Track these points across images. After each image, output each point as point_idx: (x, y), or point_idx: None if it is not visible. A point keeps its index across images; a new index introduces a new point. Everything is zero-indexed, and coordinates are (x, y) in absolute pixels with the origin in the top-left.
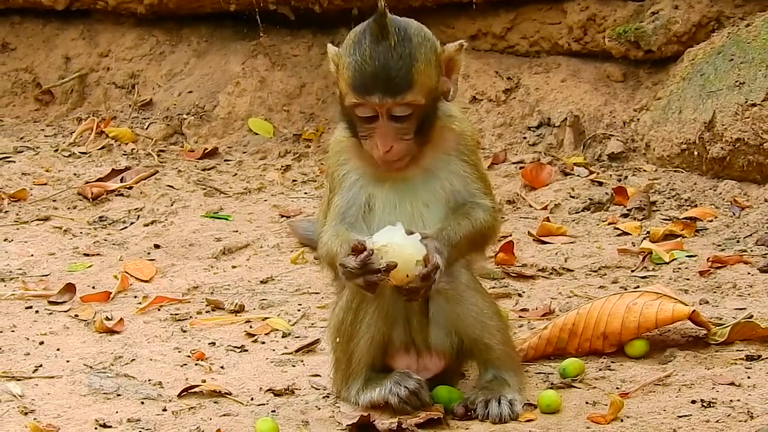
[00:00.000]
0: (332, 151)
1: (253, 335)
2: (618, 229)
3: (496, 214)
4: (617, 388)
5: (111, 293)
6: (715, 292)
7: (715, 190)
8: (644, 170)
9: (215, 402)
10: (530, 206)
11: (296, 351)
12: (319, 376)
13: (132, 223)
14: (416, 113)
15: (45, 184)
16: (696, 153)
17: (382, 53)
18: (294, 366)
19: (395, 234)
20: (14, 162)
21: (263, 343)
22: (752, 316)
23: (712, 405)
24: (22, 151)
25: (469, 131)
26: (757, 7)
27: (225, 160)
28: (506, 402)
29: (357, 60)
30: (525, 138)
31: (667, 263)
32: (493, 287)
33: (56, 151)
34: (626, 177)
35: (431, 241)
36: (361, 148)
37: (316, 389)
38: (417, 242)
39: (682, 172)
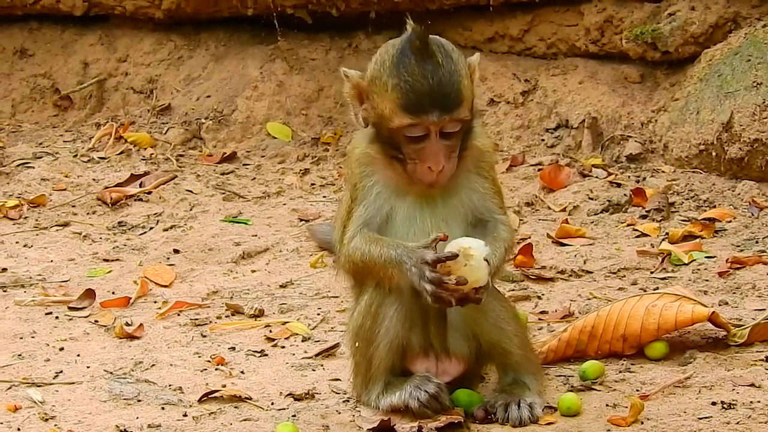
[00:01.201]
0: (356, 163)
1: (273, 339)
2: (637, 230)
3: (513, 230)
4: (637, 391)
5: (131, 299)
6: (734, 293)
7: (733, 191)
8: (662, 171)
9: (235, 407)
10: (549, 208)
11: (316, 355)
12: (339, 380)
13: (151, 228)
14: (462, 128)
15: (64, 189)
16: (714, 154)
17: (433, 71)
18: (314, 370)
19: (473, 251)
20: (33, 168)
21: (283, 347)
22: None
23: (732, 407)
24: (41, 157)
25: (490, 147)
26: None
27: (244, 165)
28: (526, 405)
29: (407, 80)
30: (543, 140)
31: (687, 264)
32: (513, 290)
33: (75, 156)
34: (644, 178)
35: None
36: (387, 161)
37: (336, 393)
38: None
39: (701, 173)
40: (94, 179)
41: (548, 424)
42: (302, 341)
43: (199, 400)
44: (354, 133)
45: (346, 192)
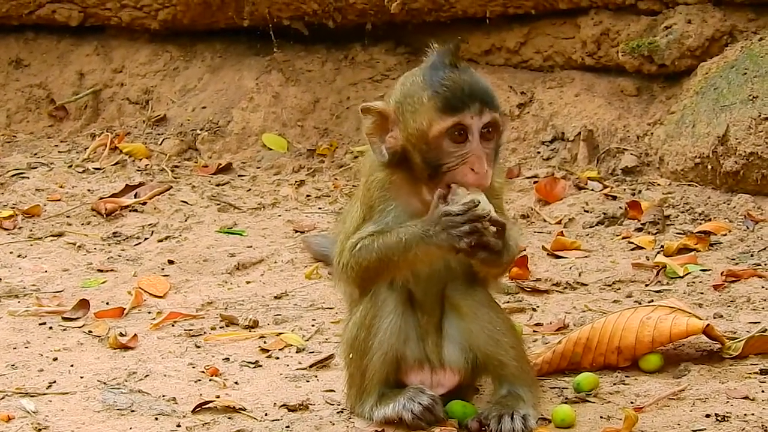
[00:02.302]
0: (375, 186)
1: (267, 351)
2: (632, 243)
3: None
4: (632, 403)
5: (125, 309)
6: (729, 306)
7: (728, 204)
8: (658, 184)
9: (229, 418)
10: (544, 221)
11: (310, 366)
12: (334, 391)
13: (146, 239)
14: (497, 137)
15: (59, 200)
16: (709, 167)
17: (468, 75)
18: (308, 381)
19: (473, 195)
20: (28, 178)
21: (277, 358)
22: (766, 329)
23: (726, 419)
24: (36, 167)
25: (504, 184)
26: None
27: (239, 176)
28: (519, 417)
29: (444, 84)
30: (539, 152)
31: (681, 277)
32: (508, 302)
33: (70, 167)
34: (640, 191)
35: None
36: (410, 188)
37: (331, 405)
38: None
39: (696, 186)
40: (89, 190)
41: None
42: (296, 352)
43: (193, 411)
44: (369, 151)
45: (358, 210)
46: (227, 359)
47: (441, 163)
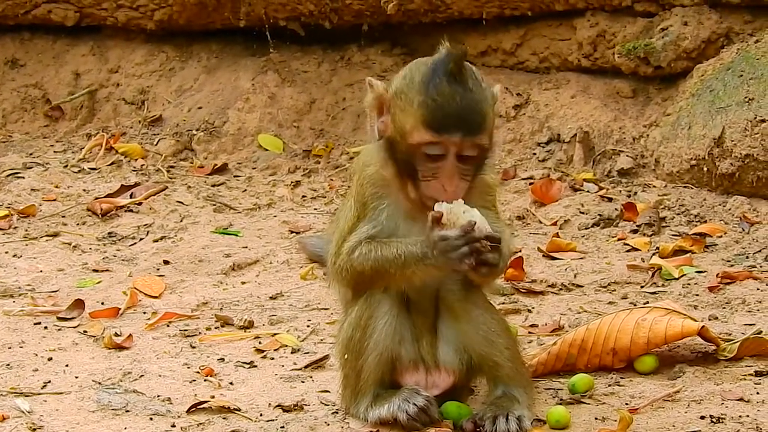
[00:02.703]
0: (368, 182)
1: (262, 351)
2: (627, 244)
3: (511, 252)
4: (626, 404)
5: (120, 309)
6: (724, 308)
7: (724, 206)
8: (654, 186)
9: (224, 418)
10: (540, 222)
11: (305, 367)
12: (329, 392)
13: (141, 239)
14: (480, 156)
15: (54, 200)
16: (705, 169)
17: (462, 94)
18: (303, 382)
19: (465, 207)
20: (23, 178)
21: (272, 359)
22: (761, 331)
23: (721, 420)
24: (31, 167)
25: (497, 182)
26: (766, 24)
27: (234, 176)
28: (514, 418)
29: (434, 98)
30: (535, 154)
31: (677, 279)
32: (503, 303)
33: (66, 167)
34: (636, 193)
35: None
36: (399, 183)
37: (325, 405)
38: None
39: (692, 188)
40: (84, 190)
41: None
42: (291, 353)
43: (188, 411)
44: (363, 149)
45: (352, 209)
46: (222, 359)
47: (417, 169)
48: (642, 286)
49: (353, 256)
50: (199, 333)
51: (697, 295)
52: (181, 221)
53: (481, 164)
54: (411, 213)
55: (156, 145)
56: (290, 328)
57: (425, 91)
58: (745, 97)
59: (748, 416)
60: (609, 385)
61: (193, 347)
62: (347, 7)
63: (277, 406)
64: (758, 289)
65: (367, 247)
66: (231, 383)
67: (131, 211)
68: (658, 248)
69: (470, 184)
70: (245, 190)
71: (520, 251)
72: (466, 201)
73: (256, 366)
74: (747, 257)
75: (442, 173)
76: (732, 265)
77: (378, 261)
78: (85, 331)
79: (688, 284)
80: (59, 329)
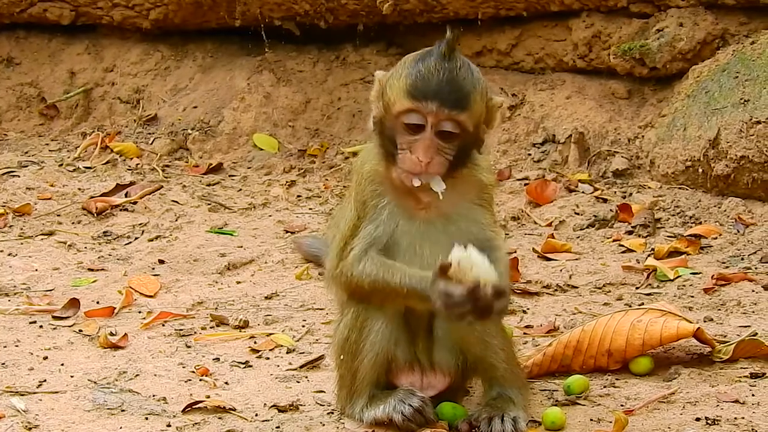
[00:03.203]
0: (366, 180)
1: (258, 351)
2: (622, 246)
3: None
4: (622, 406)
5: (115, 308)
6: (719, 310)
7: (719, 208)
8: (649, 187)
9: (219, 418)
10: (535, 223)
11: (301, 367)
12: (324, 392)
13: (136, 239)
14: (460, 138)
15: (49, 198)
16: (700, 170)
17: (448, 69)
18: (298, 382)
19: (472, 257)
20: (19, 176)
21: (267, 358)
22: (756, 333)
23: (716, 423)
24: (26, 166)
25: (493, 182)
26: (761, 25)
27: (230, 176)
28: (510, 419)
29: (419, 69)
30: (530, 155)
31: (672, 280)
32: None
33: (61, 165)
34: (631, 194)
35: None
36: (394, 180)
37: (321, 405)
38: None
39: (687, 190)
40: (79, 189)
41: None
42: (287, 353)
43: (183, 411)
44: (361, 149)
45: (352, 209)
46: (217, 359)
47: (395, 142)
48: (637, 288)
49: (358, 267)
50: (195, 332)
51: (692, 296)
52: (176, 220)
53: (464, 148)
54: (408, 211)
55: (151, 144)
56: (285, 327)
57: (413, 65)
58: (741, 99)
59: (743, 418)
60: (604, 387)
61: (189, 347)
62: (343, 7)
63: (272, 406)
64: (753, 290)
65: (372, 264)
66: (226, 383)
67: (126, 210)
68: (653, 249)
69: (457, 175)
70: (240, 189)
71: (515, 252)
72: (462, 200)
73: (251, 366)
74: (742, 259)
75: (418, 146)
76: (727, 267)
77: (379, 283)
78: (80, 331)
79: (683, 286)
80: (54, 328)
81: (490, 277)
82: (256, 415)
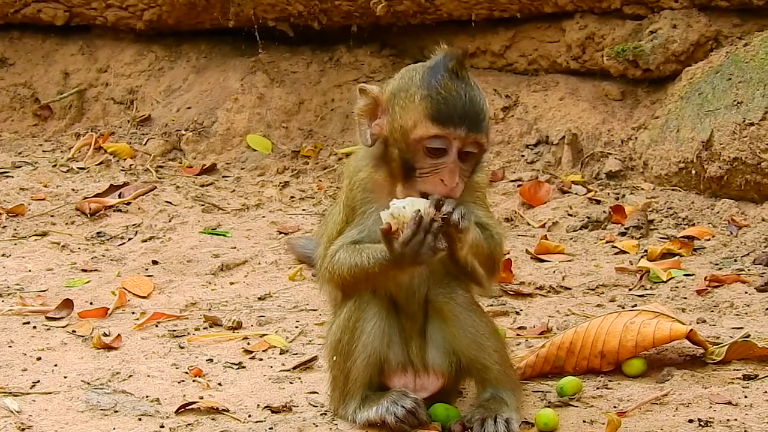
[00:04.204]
0: (359, 187)
1: (251, 352)
2: (616, 247)
3: (504, 242)
4: (615, 407)
5: (109, 309)
6: (712, 311)
7: (712, 209)
8: (642, 189)
9: (212, 419)
10: (528, 224)
11: (294, 368)
12: (317, 393)
13: (130, 239)
14: (479, 154)
15: (43, 199)
16: (694, 172)
17: (466, 89)
18: (291, 383)
19: (403, 200)
20: (12, 177)
21: (261, 359)
22: (749, 335)
23: (709, 424)
24: (20, 167)
25: (486, 180)
26: (755, 27)
27: (223, 177)
28: (502, 421)
29: (439, 92)
30: (523, 156)
31: (665, 282)
32: (491, 305)
33: (54, 166)
34: (624, 195)
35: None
36: (391, 186)
37: (314, 406)
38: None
39: (680, 191)
40: (73, 189)
41: None
42: (280, 354)
43: (176, 412)
44: (353, 154)
45: (340, 212)
46: (211, 360)
47: (415, 165)
48: (630, 289)
49: (334, 259)
50: (188, 333)
51: (685, 298)
52: (170, 221)
53: (477, 164)
54: None
55: (145, 144)
56: (279, 329)
57: (428, 86)
58: (734, 101)
59: (736, 420)
60: (597, 388)
61: (182, 348)
62: (336, 8)
63: (265, 407)
64: (746, 292)
65: (345, 252)
66: (219, 384)
67: (120, 210)
68: (646, 251)
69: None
70: (234, 190)
71: (509, 253)
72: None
73: (244, 367)
74: (735, 260)
75: (443, 169)
76: (720, 269)
77: (355, 268)
78: (73, 331)
79: (676, 287)
80: (48, 329)
81: (423, 204)
82: (249, 416)
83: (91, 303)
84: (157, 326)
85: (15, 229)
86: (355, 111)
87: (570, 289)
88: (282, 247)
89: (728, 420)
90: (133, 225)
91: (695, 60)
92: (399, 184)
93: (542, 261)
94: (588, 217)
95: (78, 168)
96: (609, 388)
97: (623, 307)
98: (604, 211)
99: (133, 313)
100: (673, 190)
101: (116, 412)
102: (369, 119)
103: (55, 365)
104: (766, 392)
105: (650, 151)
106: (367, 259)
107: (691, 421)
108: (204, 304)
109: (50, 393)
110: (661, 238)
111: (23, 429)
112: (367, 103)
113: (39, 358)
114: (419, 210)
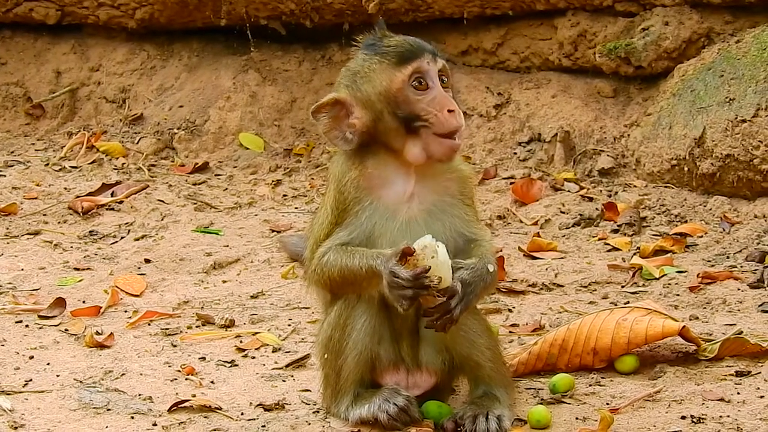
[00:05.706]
0: (351, 185)
1: (244, 350)
2: (608, 244)
3: (494, 250)
4: (607, 404)
5: (101, 308)
6: (704, 308)
7: (705, 206)
8: (634, 186)
9: (205, 417)
10: (520, 222)
11: (286, 366)
12: (310, 391)
13: (122, 238)
14: (451, 86)
15: (35, 198)
16: (686, 169)
17: (401, 35)
18: (284, 381)
19: (438, 249)
20: (4, 176)
21: (253, 357)
22: (742, 331)
23: (701, 421)
24: (12, 165)
25: (472, 175)
26: (747, 24)
27: (216, 175)
28: (494, 418)
29: (389, 44)
30: (515, 153)
31: (657, 279)
32: (484, 302)
33: (47, 165)
34: (616, 193)
35: (463, 271)
36: (382, 176)
37: (307, 404)
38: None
39: (672, 188)
40: (65, 188)
41: None
42: (273, 352)
43: (169, 410)
44: (334, 158)
45: (328, 215)
46: (203, 358)
47: (414, 115)
48: (623, 286)
49: (323, 261)
50: (181, 332)
51: (678, 295)
52: (162, 220)
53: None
54: (386, 209)
55: (137, 143)
56: (271, 327)
57: (377, 51)
58: (726, 98)
59: (728, 416)
60: (590, 385)
61: (175, 346)
62: (328, 6)
63: (258, 405)
64: (739, 289)
65: (335, 254)
66: (212, 382)
67: (112, 209)
68: (638, 248)
69: (443, 173)
70: (226, 188)
71: (501, 251)
72: (444, 194)
73: (237, 365)
74: (727, 257)
75: (440, 100)
76: (712, 265)
77: (344, 270)
78: (66, 330)
79: (669, 284)
80: (40, 327)
81: (445, 275)
82: (242, 414)
83: (83, 301)
84: (149, 325)
85: (7, 228)
86: (322, 130)
87: (562, 286)
88: (274, 245)
89: (721, 416)
90: (126, 224)
91: (687, 57)
92: (403, 152)
93: (535, 258)
94: (580, 215)
95: (70, 167)
96: (601, 385)
97: (616, 304)
98: (596, 209)
99: (125, 311)
100: (665, 187)
101: (109, 410)
102: (340, 125)
103: (48, 364)
104: (758, 389)
105: (642, 149)
106: (359, 261)
107: (683, 417)
108: (196, 302)
109: (43, 391)
110: (653, 235)
111: (16, 427)
112: (329, 114)
113: (31, 357)
114: (432, 275)
